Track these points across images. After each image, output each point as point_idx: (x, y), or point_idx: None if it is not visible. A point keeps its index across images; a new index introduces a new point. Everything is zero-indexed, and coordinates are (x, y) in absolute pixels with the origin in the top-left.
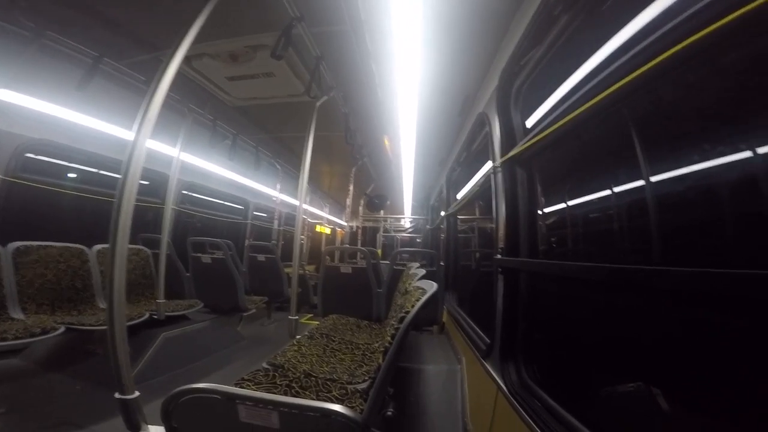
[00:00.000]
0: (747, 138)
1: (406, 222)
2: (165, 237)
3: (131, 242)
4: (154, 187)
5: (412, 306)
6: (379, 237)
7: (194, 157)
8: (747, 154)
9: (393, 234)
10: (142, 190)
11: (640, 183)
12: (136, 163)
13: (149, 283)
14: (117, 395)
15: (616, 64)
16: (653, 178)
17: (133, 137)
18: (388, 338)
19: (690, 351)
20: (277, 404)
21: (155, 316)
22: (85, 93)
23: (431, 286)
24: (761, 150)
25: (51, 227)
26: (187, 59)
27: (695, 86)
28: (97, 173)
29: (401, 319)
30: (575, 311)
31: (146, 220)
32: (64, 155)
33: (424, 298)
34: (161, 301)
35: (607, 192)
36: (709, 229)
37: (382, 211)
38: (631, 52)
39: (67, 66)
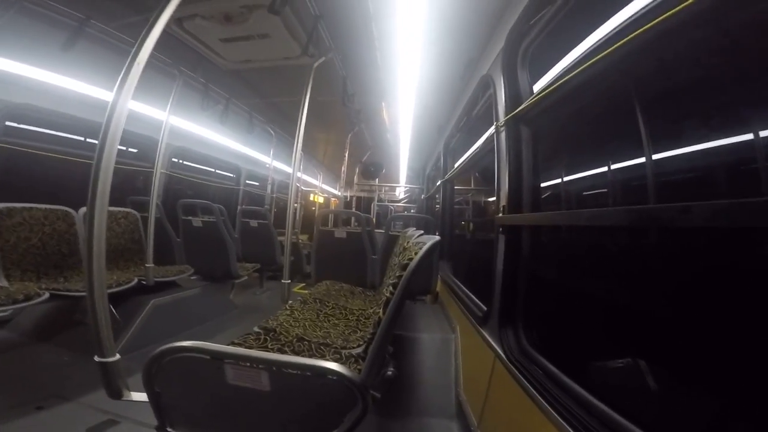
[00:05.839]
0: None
1: (401, 192)
2: (154, 199)
3: (120, 205)
4: (144, 152)
5: (416, 253)
6: (374, 206)
7: (185, 121)
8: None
9: (387, 204)
10: (132, 157)
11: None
12: (115, 124)
13: (139, 249)
14: (96, 358)
15: (633, 17)
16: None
17: (113, 98)
18: (390, 288)
19: (700, 314)
20: (267, 362)
21: (144, 282)
22: (72, 58)
23: (431, 239)
24: None
25: (38, 191)
26: (179, 20)
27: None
28: (85, 140)
29: (404, 267)
30: (577, 273)
31: (136, 187)
32: (50, 120)
33: (427, 245)
34: (150, 266)
35: (614, 152)
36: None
37: (377, 180)
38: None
39: (51, 30)
